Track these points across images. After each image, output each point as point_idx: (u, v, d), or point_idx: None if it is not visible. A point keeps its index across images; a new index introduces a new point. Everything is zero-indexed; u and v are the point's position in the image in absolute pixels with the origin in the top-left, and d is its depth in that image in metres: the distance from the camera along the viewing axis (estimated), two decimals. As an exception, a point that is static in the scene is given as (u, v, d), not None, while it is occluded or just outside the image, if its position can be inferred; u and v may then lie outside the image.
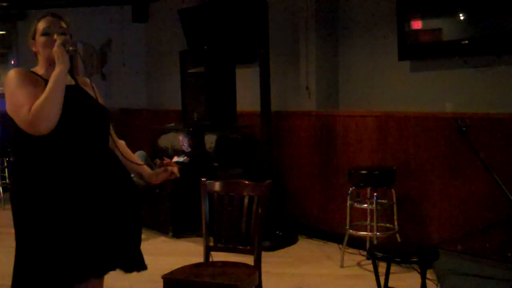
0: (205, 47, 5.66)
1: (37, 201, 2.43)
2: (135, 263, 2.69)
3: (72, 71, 2.63)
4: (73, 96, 2.53)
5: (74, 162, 2.46)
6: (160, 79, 8.27)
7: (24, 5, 7.97)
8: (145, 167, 2.87)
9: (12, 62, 8.93)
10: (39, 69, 2.57)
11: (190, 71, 5.83)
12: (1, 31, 8.75)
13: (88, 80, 2.74)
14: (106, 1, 8.16)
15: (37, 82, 2.48)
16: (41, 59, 2.57)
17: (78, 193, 2.46)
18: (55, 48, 2.43)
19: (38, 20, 2.57)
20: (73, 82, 2.64)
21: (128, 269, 2.65)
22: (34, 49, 2.59)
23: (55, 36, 2.48)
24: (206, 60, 5.59)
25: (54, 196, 2.43)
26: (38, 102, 2.35)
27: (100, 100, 2.68)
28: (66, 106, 2.43)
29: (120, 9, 8.41)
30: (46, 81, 2.45)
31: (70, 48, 2.45)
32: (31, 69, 2.58)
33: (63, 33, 2.51)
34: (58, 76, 2.40)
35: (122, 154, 2.71)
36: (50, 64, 2.49)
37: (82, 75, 2.81)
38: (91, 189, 2.49)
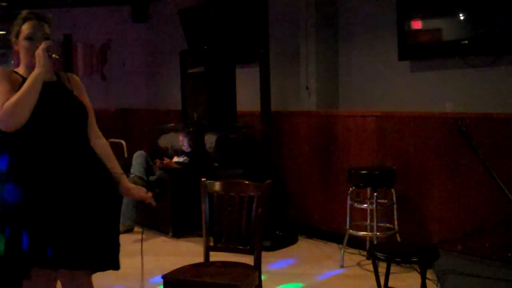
0: (205, 47, 5.67)
1: (7, 190, 2.50)
2: (104, 263, 2.64)
3: (71, 67, 2.68)
4: (51, 92, 2.60)
5: (46, 156, 2.52)
6: (160, 79, 8.27)
7: (24, 5, 7.96)
8: (123, 177, 2.83)
9: (13, 62, 8.93)
10: (20, 69, 2.65)
11: (190, 71, 5.83)
12: (1, 31, 8.74)
13: (74, 76, 2.82)
14: (106, 1, 8.16)
15: (16, 81, 2.56)
16: (22, 61, 2.65)
17: (48, 185, 2.50)
18: (38, 51, 2.50)
19: (23, 21, 2.63)
20: (54, 78, 2.70)
21: (94, 268, 2.64)
22: (16, 48, 2.65)
23: (42, 45, 2.52)
24: (206, 60, 5.60)
25: (24, 186, 2.49)
26: (11, 100, 2.43)
27: (83, 96, 2.74)
28: (42, 102, 2.50)
29: (120, 9, 8.41)
30: (24, 80, 2.52)
31: (53, 55, 2.51)
32: (14, 69, 2.66)
33: (46, 38, 2.59)
34: (35, 79, 2.48)
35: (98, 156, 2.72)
36: (30, 68, 2.56)
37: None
38: (61, 183, 2.52)
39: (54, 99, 2.60)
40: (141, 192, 2.84)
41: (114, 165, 2.80)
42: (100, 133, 2.83)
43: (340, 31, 5.77)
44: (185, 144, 6.34)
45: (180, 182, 5.95)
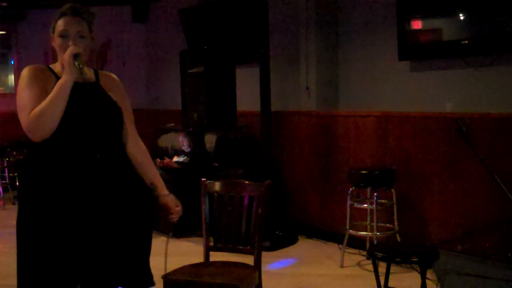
0: (205, 47, 5.66)
1: (37, 200, 2.41)
2: (139, 278, 2.57)
3: (101, 67, 2.58)
4: (87, 94, 2.46)
5: (76, 164, 2.41)
6: (160, 79, 8.27)
7: (24, 5, 7.96)
8: (160, 185, 2.75)
9: (12, 62, 8.93)
10: (57, 66, 2.51)
11: (190, 71, 5.83)
12: (1, 31, 8.75)
13: (113, 76, 2.68)
14: (106, 1, 8.16)
15: (49, 80, 2.43)
16: (58, 58, 2.50)
17: (78, 196, 2.40)
18: (65, 56, 2.37)
19: (60, 16, 2.47)
20: (93, 79, 2.57)
21: (131, 284, 2.54)
22: (53, 44, 2.51)
23: (70, 43, 2.41)
24: (206, 60, 5.59)
25: (54, 197, 2.40)
26: (37, 109, 2.30)
27: (123, 98, 2.60)
28: (76, 105, 2.38)
29: (120, 9, 8.41)
30: (58, 80, 2.39)
31: (77, 63, 2.36)
32: (50, 65, 2.53)
33: (81, 36, 2.45)
34: (61, 86, 2.33)
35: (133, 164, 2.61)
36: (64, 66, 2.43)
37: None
38: (91, 193, 2.42)
39: (89, 103, 2.45)
40: (175, 204, 2.74)
41: (151, 174, 2.69)
42: (138, 139, 2.69)
43: (340, 31, 5.77)
44: (185, 144, 6.33)
45: (180, 182, 5.94)
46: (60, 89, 2.33)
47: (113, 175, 2.49)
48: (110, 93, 2.59)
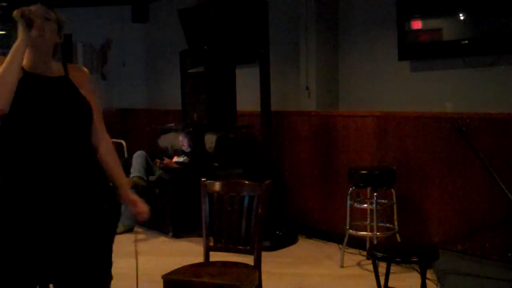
0: (205, 47, 5.66)
1: (3, 202, 2.35)
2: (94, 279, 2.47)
3: (70, 60, 2.52)
4: (54, 89, 2.41)
5: (39, 162, 2.34)
6: (160, 79, 8.27)
7: (24, 5, 7.95)
8: (123, 185, 2.64)
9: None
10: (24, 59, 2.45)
11: (190, 71, 5.83)
12: (1, 31, 8.74)
13: (83, 70, 2.59)
14: (106, 1, 8.16)
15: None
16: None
17: (38, 194, 2.34)
18: (14, 16, 2.36)
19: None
20: (62, 73, 2.49)
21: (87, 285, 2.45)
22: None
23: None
24: (206, 60, 5.60)
25: (14, 195, 2.34)
26: None
27: (91, 94, 2.51)
28: (42, 99, 2.34)
29: (120, 9, 8.41)
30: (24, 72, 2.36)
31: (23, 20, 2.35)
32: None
33: (47, 19, 2.41)
34: (15, 49, 2.31)
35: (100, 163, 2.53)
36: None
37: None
38: (50, 193, 2.35)
39: (55, 97, 2.39)
40: (140, 206, 2.64)
41: (115, 174, 2.59)
42: (106, 136, 2.59)
43: (340, 31, 5.77)
44: (185, 144, 6.34)
45: (180, 182, 5.95)
46: (14, 52, 2.30)
47: (76, 173, 2.41)
48: (80, 88, 2.49)
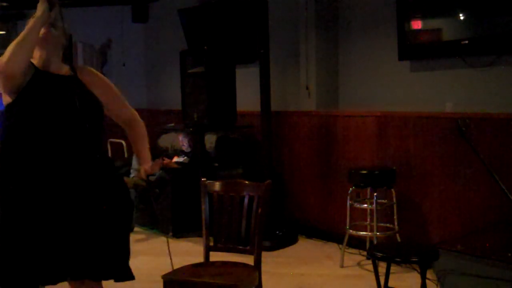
0: (205, 47, 5.66)
1: (15, 198, 2.40)
2: (117, 272, 2.58)
3: (71, 62, 2.61)
4: (66, 86, 2.48)
5: (51, 160, 2.41)
6: (160, 79, 8.26)
7: (24, 5, 7.96)
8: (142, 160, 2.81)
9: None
10: (36, 57, 2.55)
11: (190, 71, 5.83)
12: (1, 31, 8.74)
13: (92, 70, 2.72)
14: (106, 1, 8.15)
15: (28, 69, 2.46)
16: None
17: (53, 190, 2.41)
18: None
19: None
20: (71, 73, 2.59)
21: (108, 277, 2.57)
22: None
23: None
24: (206, 60, 5.59)
25: (33, 193, 2.39)
26: (10, 45, 2.37)
27: (107, 88, 2.68)
28: (56, 96, 2.41)
29: (120, 9, 8.40)
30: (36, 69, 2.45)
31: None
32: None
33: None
34: (35, 20, 2.40)
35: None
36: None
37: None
38: (68, 188, 2.43)
39: (68, 94, 2.47)
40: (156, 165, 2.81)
41: (137, 147, 2.80)
42: (137, 117, 2.83)
43: (340, 31, 5.77)
44: (185, 144, 6.34)
45: (180, 182, 5.95)
46: (33, 24, 2.38)
47: (90, 171, 2.48)
48: (92, 87, 2.60)
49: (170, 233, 5.86)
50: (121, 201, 2.61)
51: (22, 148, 2.42)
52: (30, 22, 2.40)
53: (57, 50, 2.54)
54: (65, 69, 2.55)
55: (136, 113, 2.85)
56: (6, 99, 2.46)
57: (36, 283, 2.44)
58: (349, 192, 4.78)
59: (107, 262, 2.53)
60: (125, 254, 2.63)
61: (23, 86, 2.39)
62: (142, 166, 2.78)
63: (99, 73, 2.73)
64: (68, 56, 2.61)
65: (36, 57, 2.51)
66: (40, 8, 2.40)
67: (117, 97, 2.73)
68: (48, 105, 2.41)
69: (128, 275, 2.62)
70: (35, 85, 2.41)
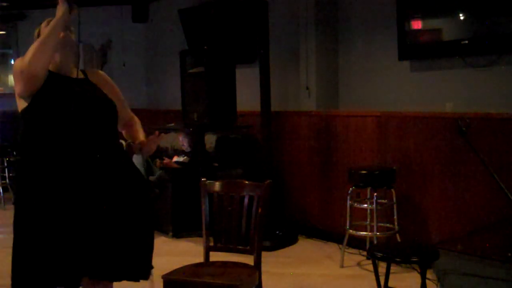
0: (205, 47, 5.66)
1: (37, 199, 2.43)
2: (139, 271, 2.61)
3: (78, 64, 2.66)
4: (79, 89, 2.53)
5: (73, 161, 2.44)
6: (160, 79, 8.27)
7: (24, 5, 7.96)
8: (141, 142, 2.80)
9: (12, 62, 8.93)
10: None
11: (190, 71, 5.83)
12: (1, 31, 8.75)
13: (100, 72, 2.79)
14: (106, 1, 8.16)
15: None
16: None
17: (76, 192, 2.43)
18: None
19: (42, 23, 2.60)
20: (82, 76, 2.65)
21: (132, 277, 2.59)
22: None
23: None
24: (206, 60, 5.59)
25: (52, 195, 2.42)
26: (33, 45, 2.40)
27: (113, 90, 2.72)
28: (70, 99, 2.44)
29: (120, 9, 8.41)
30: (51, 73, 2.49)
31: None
32: None
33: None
34: (56, 20, 2.42)
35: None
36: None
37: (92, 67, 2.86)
38: (94, 188, 2.46)
39: (82, 95, 2.52)
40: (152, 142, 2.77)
41: (133, 133, 2.82)
42: (135, 117, 2.87)
43: (340, 31, 5.77)
44: (185, 144, 6.34)
45: (180, 182, 5.95)
46: (54, 24, 2.41)
47: (111, 171, 2.52)
48: (102, 87, 2.67)
49: (170, 233, 5.86)
50: (141, 198, 2.64)
51: (42, 150, 2.45)
52: (52, 22, 2.44)
53: (71, 54, 2.59)
54: (76, 73, 2.60)
55: (135, 116, 2.90)
56: (21, 104, 2.49)
57: (54, 283, 2.44)
58: (349, 192, 4.78)
59: (130, 262, 2.56)
60: (147, 253, 2.66)
61: (38, 89, 2.42)
62: (143, 147, 2.76)
63: (105, 75, 2.78)
64: (77, 60, 2.67)
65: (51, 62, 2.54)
66: (61, 9, 2.43)
67: (120, 99, 2.77)
68: (66, 108, 2.44)
69: (145, 275, 2.65)
70: (51, 88, 2.45)
